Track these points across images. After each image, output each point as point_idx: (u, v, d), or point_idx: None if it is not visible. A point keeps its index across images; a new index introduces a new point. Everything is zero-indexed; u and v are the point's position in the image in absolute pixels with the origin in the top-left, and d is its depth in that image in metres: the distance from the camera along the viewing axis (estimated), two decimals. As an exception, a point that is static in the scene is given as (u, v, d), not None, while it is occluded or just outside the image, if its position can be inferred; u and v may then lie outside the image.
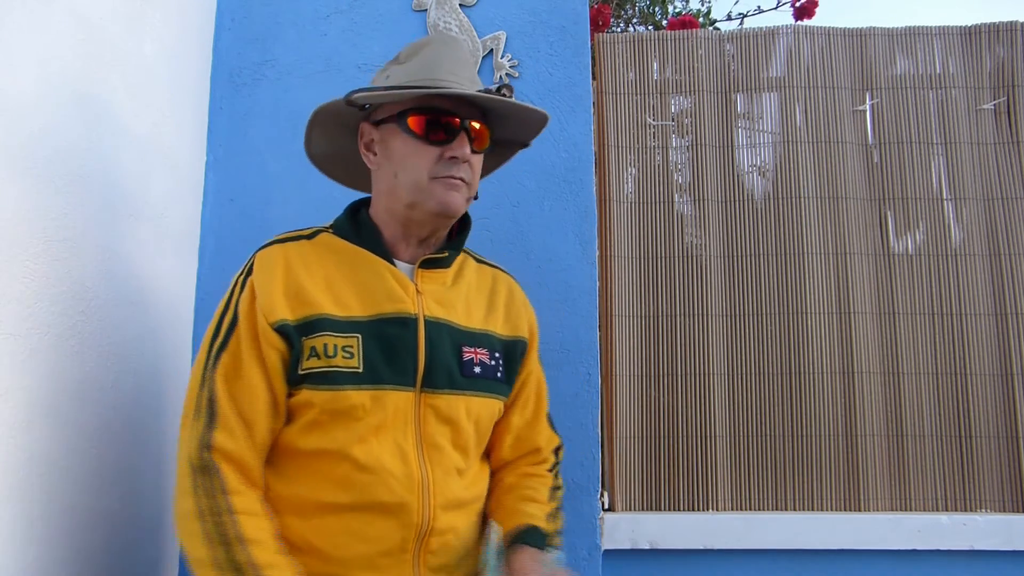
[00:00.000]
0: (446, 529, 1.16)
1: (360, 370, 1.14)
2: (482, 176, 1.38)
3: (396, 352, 1.17)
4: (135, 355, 1.49)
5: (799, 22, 2.81)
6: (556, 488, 1.35)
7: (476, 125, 1.21)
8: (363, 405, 1.13)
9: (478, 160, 1.24)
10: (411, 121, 1.18)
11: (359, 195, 1.38)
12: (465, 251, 1.37)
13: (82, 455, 1.31)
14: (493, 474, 1.35)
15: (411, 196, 1.20)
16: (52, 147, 1.25)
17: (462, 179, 1.20)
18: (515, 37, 1.85)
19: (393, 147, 1.21)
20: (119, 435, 1.41)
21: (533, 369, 1.36)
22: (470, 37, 1.84)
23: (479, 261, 1.38)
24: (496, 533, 1.16)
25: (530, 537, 1.21)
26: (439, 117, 1.19)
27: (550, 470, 1.36)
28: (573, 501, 1.67)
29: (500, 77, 1.83)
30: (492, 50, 1.84)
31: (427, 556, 1.15)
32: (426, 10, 1.86)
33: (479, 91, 1.19)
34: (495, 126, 1.27)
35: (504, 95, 1.19)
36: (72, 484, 1.28)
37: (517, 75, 1.84)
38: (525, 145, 1.35)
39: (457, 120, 1.19)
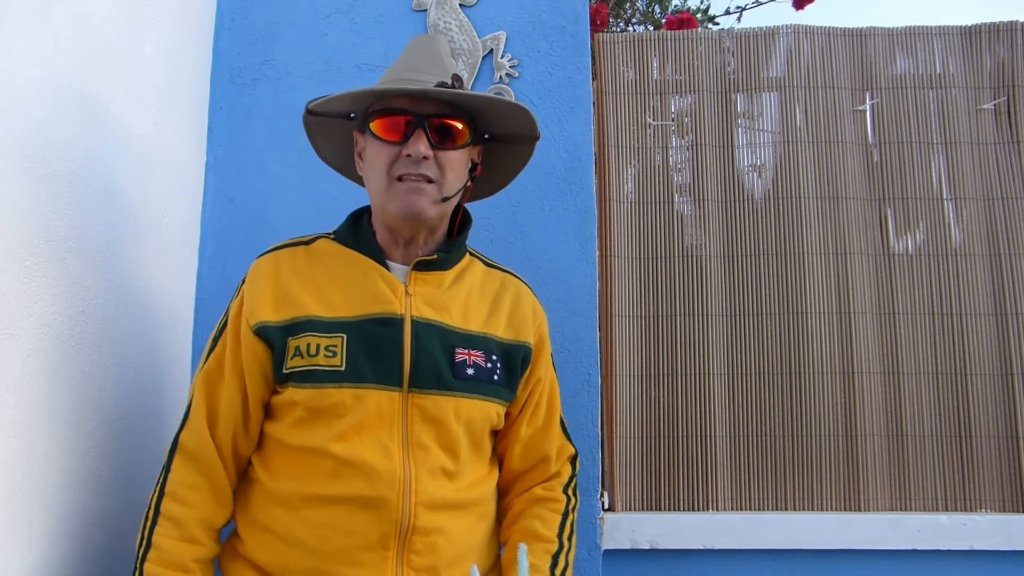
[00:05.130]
0: (431, 529, 1.14)
1: (342, 369, 1.15)
2: (512, 174, 1.38)
3: (381, 352, 1.18)
4: (135, 355, 1.49)
5: (799, 11, 2.80)
6: (572, 509, 1.31)
7: (443, 121, 1.19)
8: (344, 403, 1.15)
9: (451, 157, 1.21)
10: (373, 124, 1.20)
11: (351, 194, 1.39)
12: (475, 255, 1.36)
13: (82, 455, 1.31)
14: (504, 488, 1.33)
15: (379, 199, 1.23)
16: (52, 147, 1.25)
17: (425, 177, 1.18)
18: (515, 37, 1.85)
19: (367, 152, 1.25)
20: (119, 435, 1.41)
21: (543, 376, 1.33)
22: (470, 37, 1.84)
23: (490, 265, 1.36)
24: (525, 556, 1.09)
25: None
26: (393, 116, 1.19)
27: (565, 487, 1.32)
28: (573, 501, 1.67)
29: (500, 77, 1.83)
30: (492, 50, 1.84)
31: (411, 556, 1.13)
32: (426, 10, 1.86)
33: (436, 86, 1.17)
34: (487, 122, 1.27)
35: (453, 87, 1.18)
36: (72, 484, 1.28)
37: (517, 75, 1.83)
38: (535, 137, 1.29)
39: (411, 117, 1.18)
